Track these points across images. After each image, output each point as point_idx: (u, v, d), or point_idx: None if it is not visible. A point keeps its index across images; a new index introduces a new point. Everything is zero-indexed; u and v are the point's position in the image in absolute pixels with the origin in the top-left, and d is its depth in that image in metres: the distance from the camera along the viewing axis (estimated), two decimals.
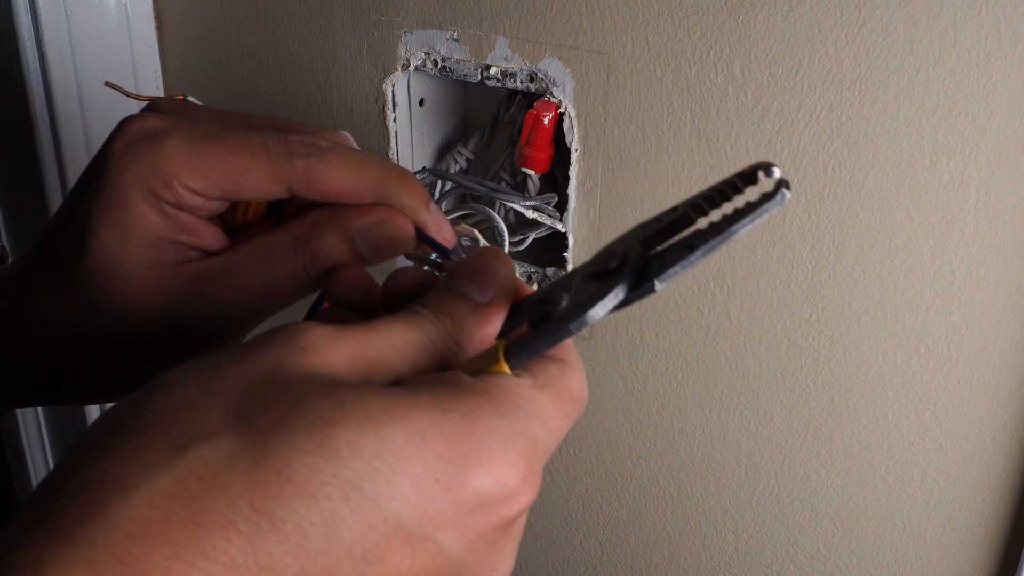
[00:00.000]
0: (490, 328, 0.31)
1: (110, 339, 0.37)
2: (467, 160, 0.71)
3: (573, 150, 0.62)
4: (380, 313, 0.31)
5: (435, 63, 0.64)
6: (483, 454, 0.25)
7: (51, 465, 0.95)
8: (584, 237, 0.64)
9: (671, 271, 0.27)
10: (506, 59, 0.61)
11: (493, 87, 0.63)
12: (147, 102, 0.39)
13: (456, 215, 0.68)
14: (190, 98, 0.41)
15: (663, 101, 0.57)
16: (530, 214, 0.63)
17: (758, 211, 0.26)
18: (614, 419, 0.70)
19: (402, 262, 0.64)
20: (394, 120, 0.69)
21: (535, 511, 0.78)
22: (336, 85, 0.70)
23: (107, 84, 0.48)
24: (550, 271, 0.67)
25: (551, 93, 0.60)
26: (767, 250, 0.58)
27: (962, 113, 0.49)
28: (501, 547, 0.27)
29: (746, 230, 0.26)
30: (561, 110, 0.60)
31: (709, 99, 0.56)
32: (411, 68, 0.66)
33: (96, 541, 0.22)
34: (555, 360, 0.30)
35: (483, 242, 0.38)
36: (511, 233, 0.67)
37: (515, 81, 0.61)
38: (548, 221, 0.64)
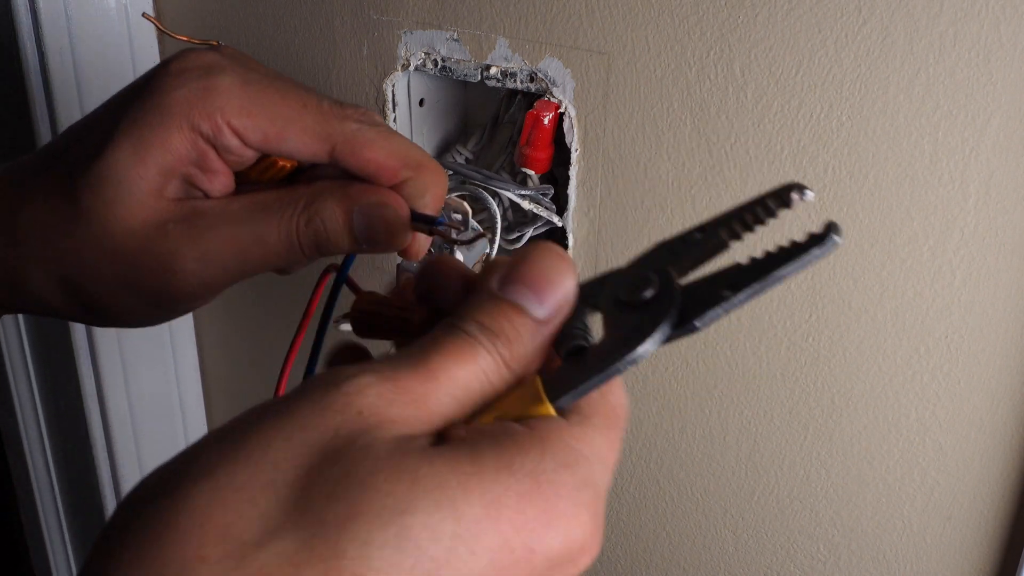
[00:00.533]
0: (542, 355, 0.27)
1: (81, 262, 0.36)
2: (467, 160, 0.71)
3: (573, 150, 0.62)
4: (410, 301, 0.31)
5: (435, 63, 0.64)
6: (552, 515, 0.24)
7: (51, 465, 0.95)
8: (584, 237, 0.64)
9: (713, 313, 0.26)
10: (506, 59, 0.62)
11: (493, 87, 0.63)
12: (184, 40, 0.39)
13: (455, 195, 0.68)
14: (222, 43, 0.41)
15: (663, 101, 0.57)
16: (526, 204, 0.63)
17: (807, 256, 0.25)
18: None
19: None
20: (394, 120, 0.69)
21: None
22: (336, 85, 0.70)
23: (144, 16, 0.48)
24: None
25: (551, 93, 0.60)
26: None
27: (962, 113, 0.49)
28: None
29: (793, 275, 0.25)
30: (561, 110, 0.60)
31: (709, 99, 0.56)
32: (411, 68, 0.66)
33: None
34: (600, 394, 0.27)
35: (472, 220, 0.38)
36: (508, 231, 0.67)
37: (515, 81, 0.61)
38: (544, 213, 0.63)
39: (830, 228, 0.24)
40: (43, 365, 0.89)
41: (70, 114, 0.73)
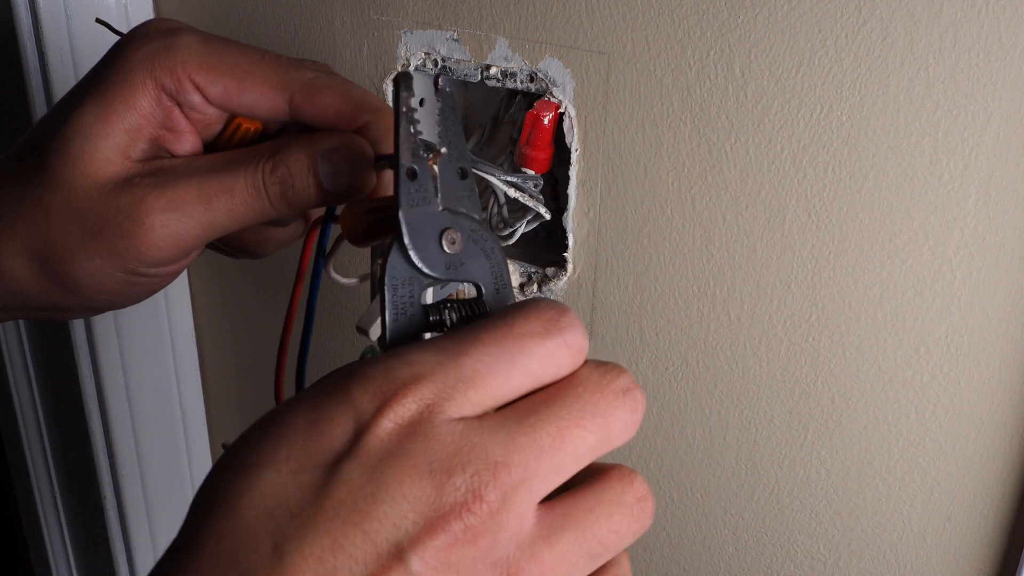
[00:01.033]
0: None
1: (50, 228, 0.36)
2: None
3: (573, 150, 0.62)
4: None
5: (435, 63, 0.64)
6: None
7: (51, 465, 0.95)
8: (584, 237, 0.64)
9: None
10: (506, 59, 0.62)
11: (493, 87, 0.63)
12: None
13: None
14: None
15: (663, 101, 0.57)
16: (512, 193, 0.63)
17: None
18: None
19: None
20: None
21: None
22: None
23: (98, 20, 0.48)
24: (550, 271, 0.67)
25: (551, 93, 0.60)
26: (767, 250, 0.58)
27: (962, 113, 0.49)
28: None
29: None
30: (561, 110, 0.60)
31: (709, 99, 0.56)
32: (411, 68, 0.66)
33: None
34: None
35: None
36: (500, 228, 0.67)
37: (515, 81, 0.61)
38: (531, 203, 0.63)
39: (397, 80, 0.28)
40: (43, 365, 0.89)
41: None
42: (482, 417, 0.27)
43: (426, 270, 0.29)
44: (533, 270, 0.68)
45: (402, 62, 0.66)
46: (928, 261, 0.53)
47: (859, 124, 0.52)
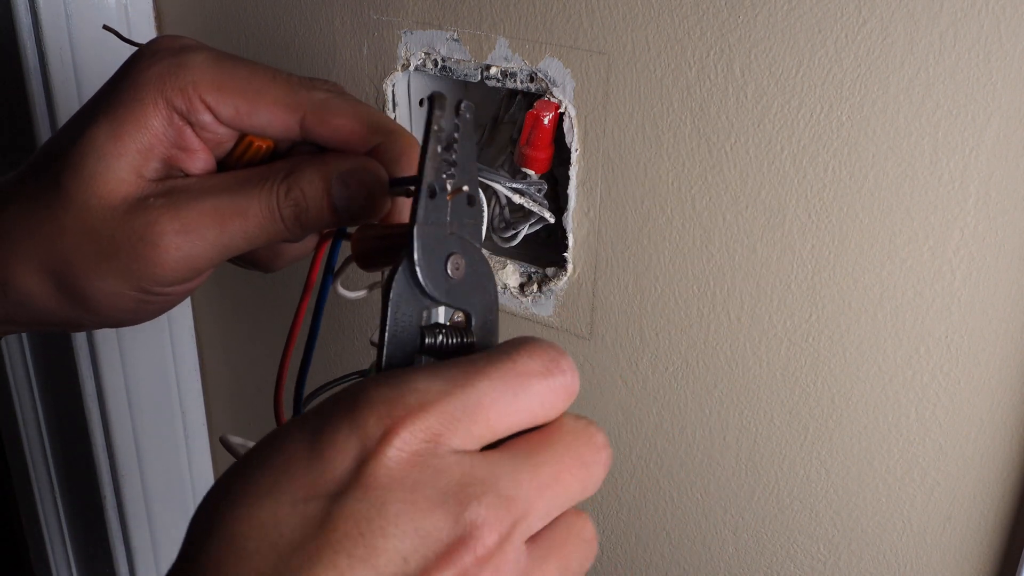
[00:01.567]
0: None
1: (65, 246, 0.36)
2: None
3: (573, 150, 0.62)
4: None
5: (435, 63, 0.64)
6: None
7: (51, 465, 0.95)
8: (584, 237, 0.64)
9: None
10: (506, 59, 0.61)
11: (493, 87, 0.63)
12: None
13: None
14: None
15: (663, 101, 0.57)
16: (517, 199, 0.63)
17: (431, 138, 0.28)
18: (614, 419, 0.70)
19: None
20: (394, 120, 0.69)
21: None
22: None
23: (105, 27, 0.48)
24: (550, 271, 0.67)
25: (551, 93, 0.60)
26: (767, 250, 0.58)
27: (962, 113, 0.49)
28: None
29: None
30: (561, 110, 0.60)
31: (709, 99, 0.56)
32: (411, 68, 0.66)
33: None
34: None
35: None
36: (503, 229, 0.67)
37: (515, 81, 0.61)
38: (536, 208, 0.63)
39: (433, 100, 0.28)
40: (43, 365, 0.89)
41: (70, 112, 0.73)
42: (484, 451, 0.27)
43: (429, 291, 0.29)
44: (533, 270, 0.68)
45: (402, 62, 0.66)
46: (928, 261, 0.53)
47: (859, 124, 0.52)
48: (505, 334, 0.77)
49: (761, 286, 0.59)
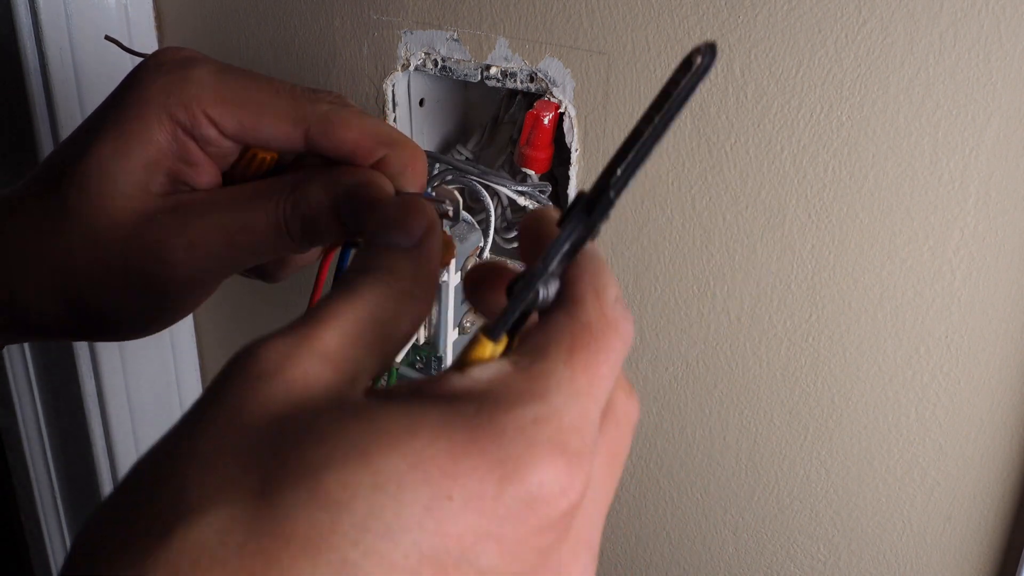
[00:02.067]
0: (431, 263, 0.29)
1: (72, 261, 0.36)
2: (467, 160, 0.71)
3: (573, 150, 0.62)
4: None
5: (435, 63, 0.64)
6: (494, 457, 0.22)
7: (51, 465, 0.95)
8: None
9: (622, 176, 0.26)
10: (506, 59, 0.62)
11: (493, 87, 0.63)
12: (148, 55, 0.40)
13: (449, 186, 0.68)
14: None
15: None
16: (522, 201, 0.63)
17: (687, 83, 0.25)
18: None
19: None
20: (394, 120, 0.69)
21: None
22: (336, 85, 0.70)
23: (107, 38, 0.48)
24: None
25: (551, 93, 0.60)
26: (767, 250, 0.58)
27: (962, 113, 0.49)
28: (558, 551, 0.24)
29: (682, 108, 0.25)
30: (561, 110, 0.60)
31: (709, 99, 0.56)
32: (411, 68, 0.66)
33: None
34: (564, 312, 0.26)
35: (463, 212, 0.38)
36: (506, 230, 0.67)
37: (515, 81, 0.61)
38: None
39: (697, 51, 0.25)
40: (43, 365, 0.89)
41: (70, 114, 0.73)
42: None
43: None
44: None
45: (402, 62, 0.66)
46: (928, 261, 0.53)
47: (859, 124, 0.52)
48: None
49: (761, 286, 0.59)
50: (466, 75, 0.63)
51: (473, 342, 0.25)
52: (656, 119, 0.25)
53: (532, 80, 0.61)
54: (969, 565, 0.60)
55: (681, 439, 0.67)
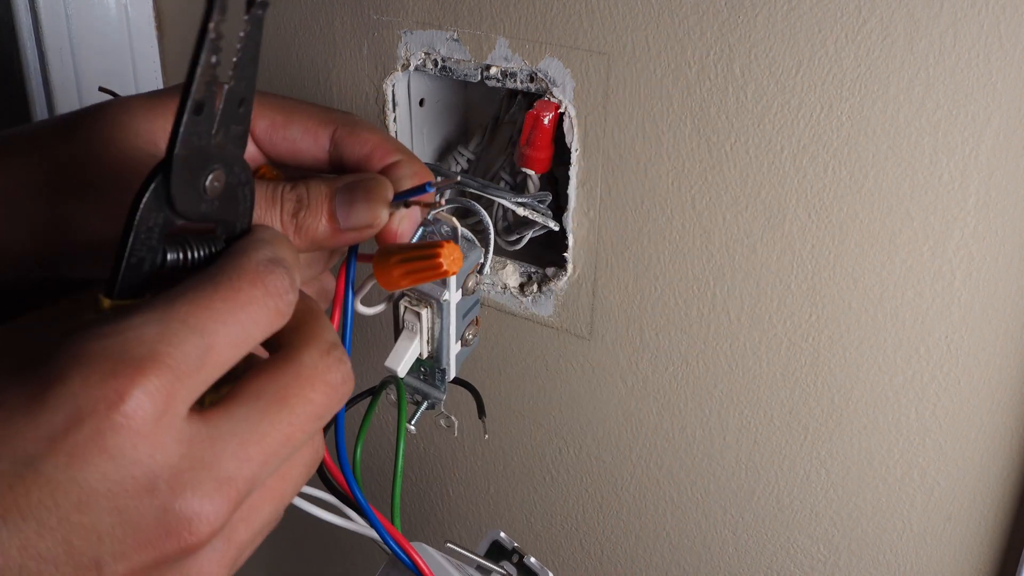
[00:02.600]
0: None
1: (67, 178, 0.34)
2: (468, 160, 0.71)
3: (573, 150, 0.62)
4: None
5: (435, 63, 0.64)
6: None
7: None
8: (584, 237, 0.64)
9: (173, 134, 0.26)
10: (506, 59, 0.62)
11: (493, 87, 0.63)
12: None
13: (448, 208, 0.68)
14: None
15: (663, 101, 0.57)
16: (521, 211, 0.63)
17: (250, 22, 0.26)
18: (614, 419, 0.70)
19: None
20: (394, 120, 0.69)
21: (534, 511, 0.78)
22: (336, 85, 0.70)
23: (101, 89, 0.49)
24: (550, 271, 0.67)
25: (551, 93, 0.60)
26: (767, 250, 0.58)
27: (962, 113, 0.49)
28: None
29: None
30: (561, 110, 0.60)
31: (709, 99, 0.56)
32: (411, 68, 0.66)
33: None
34: (272, 359, 0.28)
35: (461, 230, 0.39)
36: (508, 232, 0.67)
37: (515, 81, 0.61)
38: (540, 219, 0.63)
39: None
40: None
41: None
42: (208, 415, 0.26)
43: (183, 211, 0.27)
44: (533, 270, 0.68)
45: (402, 62, 0.66)
46: (928, 261, 0.53)
47: (859, 124, 0.52)
48: (505, 334, 0.77)
49: (761, 286, 0.59)
50: (466, 75, 0.63)
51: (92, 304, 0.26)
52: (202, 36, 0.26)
53: (532, 80, 0.61)
54: (969, 565, 0.60)
55: (681, 439, 0.67)
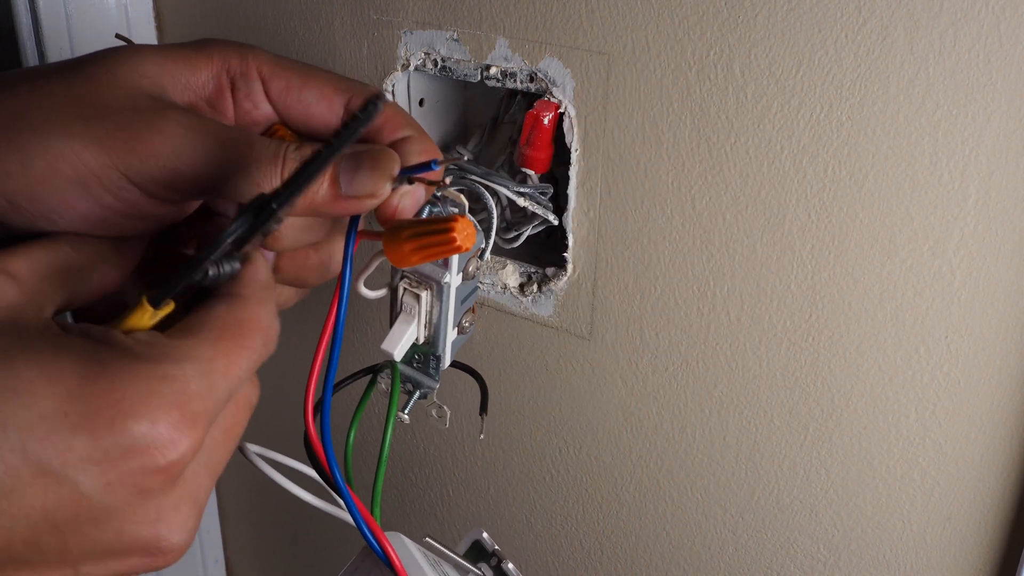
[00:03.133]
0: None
1: (65, 112, 0.32)
2: (467, 160, 0.71)
3: (573, 150, 0.62)
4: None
5: (435, 63, 0.64)
6: (119, 398, 0.26)
7: None
8: (584, 237, 0.64)
9: (285, 193, 0.30)
10: (506, 59, 0.62)
11: (493, 87, 0.63)
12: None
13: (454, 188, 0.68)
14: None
15: (663, 101, 0.57)
16: (522, 202, 0.63)
17: (353, 126, 0.29)
18: (614, 419, 0.70)
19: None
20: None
21: (534, 510, 0.78)
22: None
23: (117, 36, 0.48)
24: (550, 271, 0.67)
25: (551, 93, 0.60)
26: (767, 250, 0.58)
27: (962, 113, 0.49)
28: (158, 498, 0.27)
29: (347, 143, 0.29)
30: (561, 110, 0.60)
31: (709, 99, 0.56)
32: (411, 68, 0.66)
33: None
34: (224, 297, 0.30)
35: (467, 207, 0.38)
36: (506, 230, 0.67)
37: (515, 81, 0.61)
38: (540, 212, 0.63)
39: (368, 99, 0.28)
40: None
41: None
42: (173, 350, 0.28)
43: (247, 239, 0.32)
44: (533, 270, 0.68)
45: (402, 62, 0.66)
46: (928, 261, 0.53)
47: (859, 124, 0.52)
48: (505, 334, 0.77)
49: (761, 286, 0.59)
50: (466, 75, 0.63)
51: (136, 307, 0.29)
52: (326, 151, 0.29)
53: (532, 80, 0.61)
54: (969, 565, 0.60)
55: (681, 439, 0.67)
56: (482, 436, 0.78)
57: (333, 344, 0.36)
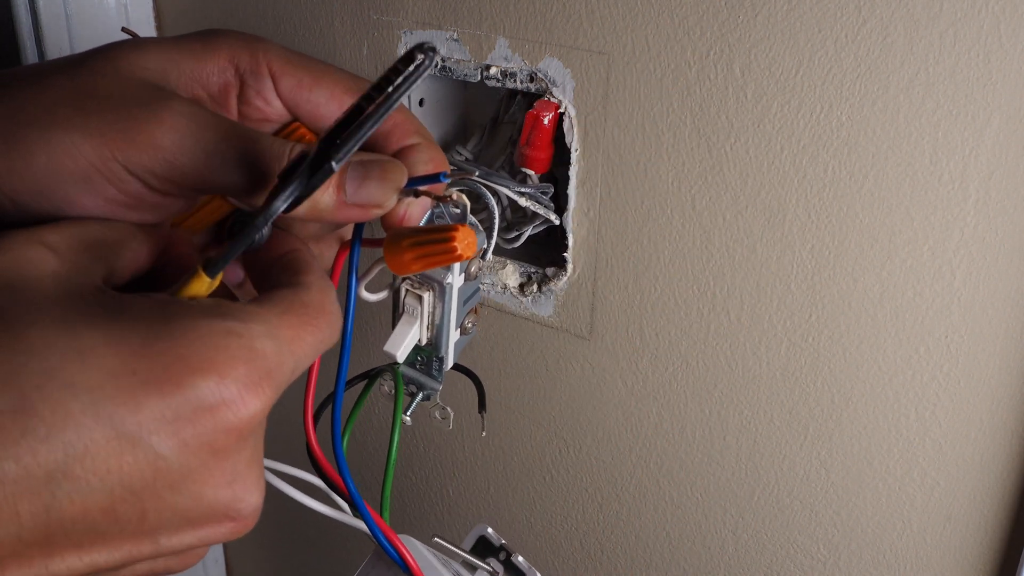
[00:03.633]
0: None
1: (69, 98, 0.32)
2: (467, 160, 0.71)
3: (573, 150, 0.62)
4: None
5: (435, 63, 0.64)
6: (185, 354, 0.25)
7: None
8: (584, 237, 0.64)
9: (345, 148, 0.29)
10: (506, 59, 0.62)
11: (493, 87, 0.63)
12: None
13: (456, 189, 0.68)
14: None
15: (663, 101, 0.57)
16: (523, 202, 0.63)
17: (411, 75, 0.27)
18: (614, 419, 0.70)
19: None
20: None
21: (534, 510, 0.78)
22: None
23: (123, 30, 0.48)
24: (550, 271, 0.67)
25: (551, 93, 0.60)
26: (767, 250, 0.58)
27: (962, 113, 0.49)
28: (232, 457, 0.27)
29: (402, 93, 0.28)
30: (561, 110, 0.60)
31: (709, 99, 0.56)
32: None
33: None
34: (288, 284, 0.30)
35: (469, 207, 0.38)
36: (506, 230, 0.67)
37: (515, 81, 0.61)
38: (542, 211, 0.63)
39: (418, 49, 0.27)
40: None
41: None
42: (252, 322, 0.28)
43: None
44: (533, 270, 0.68)
45: None
46: (928, 261, 0.53)
47: (859, 124, 0.52)
48: (505, 334, 0.77)
49: (761, 286, 0.59)
50: (466, 75, 0.63)
51: (193, 276, 0.29)
52: (378, 101, 0.28)
53: (532, 80, 0.61)
54: (969, 565, 0.60)
55: (681, 439, 0.67)
56: (484, 433, 0.78)
57: (341, 357, 0.36)
